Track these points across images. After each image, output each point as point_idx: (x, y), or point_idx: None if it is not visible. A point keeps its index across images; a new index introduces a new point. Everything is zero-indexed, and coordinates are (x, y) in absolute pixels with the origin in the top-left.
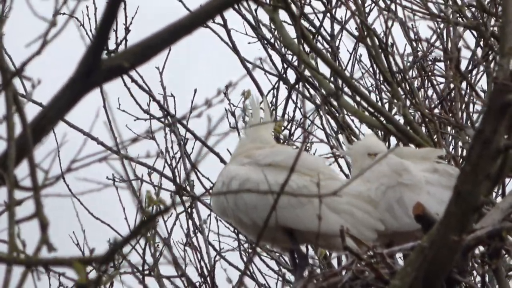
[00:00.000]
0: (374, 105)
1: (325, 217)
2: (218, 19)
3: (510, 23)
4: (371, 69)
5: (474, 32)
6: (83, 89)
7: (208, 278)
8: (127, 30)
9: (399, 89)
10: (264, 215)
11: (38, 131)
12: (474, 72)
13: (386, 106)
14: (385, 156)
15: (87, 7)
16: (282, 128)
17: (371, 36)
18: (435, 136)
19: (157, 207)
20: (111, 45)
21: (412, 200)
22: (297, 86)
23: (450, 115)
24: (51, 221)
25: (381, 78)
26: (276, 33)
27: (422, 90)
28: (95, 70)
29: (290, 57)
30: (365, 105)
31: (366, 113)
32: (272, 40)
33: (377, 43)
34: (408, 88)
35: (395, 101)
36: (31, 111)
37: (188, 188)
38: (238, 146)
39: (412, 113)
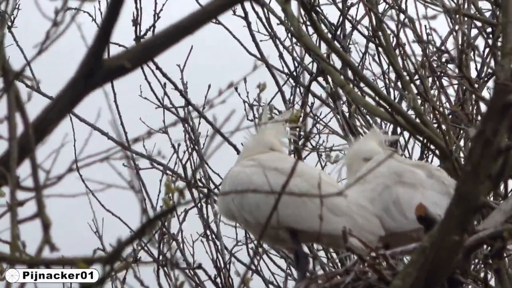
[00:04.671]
0: (384, 97)
1: (326, 218)
2: (240, 12)
3: (511, 23)
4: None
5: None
6: (85, 89)
7: (223, 271)
8: (157, 17)
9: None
10: (267, 214)
11: (40, 131)
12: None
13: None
14: (385, 160)
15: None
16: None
17: (383, 29)
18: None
19: (172, 200)
20: (141, 32)
21: (408, 201)
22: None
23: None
24: (55, 220)
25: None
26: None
27: (436, 90)
28: (96, 70)
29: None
30: (376, 97)
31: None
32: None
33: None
34: (419, 80)
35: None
36: (33, 111)
37: (201, 181)
38: (243, 149)
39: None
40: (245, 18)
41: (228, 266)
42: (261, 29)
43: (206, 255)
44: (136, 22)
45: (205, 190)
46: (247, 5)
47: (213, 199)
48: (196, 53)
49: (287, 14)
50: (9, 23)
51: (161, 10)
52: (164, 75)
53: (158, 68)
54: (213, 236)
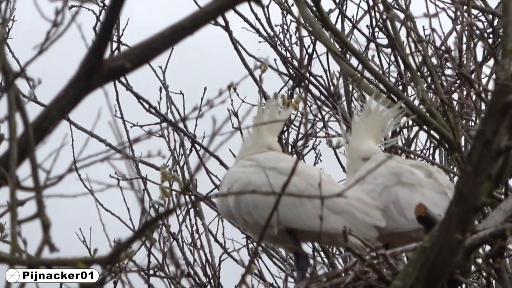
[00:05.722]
0: (391, 88)
1: (325, 216)
2: (220, 20)
3: (511, 23)
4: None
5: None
6: (85, 90)
7: (213, 278)
8: (120, 43)
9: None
10: (266, 215)
11: (40, 131)
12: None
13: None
14: (384, 162)
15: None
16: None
17: (391, 18)
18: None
19: (162, 206)
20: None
21: (407, 201)
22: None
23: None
24: (56, 220)
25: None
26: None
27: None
28: (97, 70)
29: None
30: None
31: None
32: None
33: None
34: (427, 73)
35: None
36: (33, 111)
37: (191, 188)
38: (241, 149)
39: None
40: (226, 28)
41: (218, 273)
42: (259, 30)
43: (198, 261)
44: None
45: (197, 197)
46: (240, 9)
47: (200, 207)
48: (195, 53)
49: (297, 1)
50: (5, 35)
51: (122, 35)
52: (136, 95)
53: (128, 89)
54: (207, 241)
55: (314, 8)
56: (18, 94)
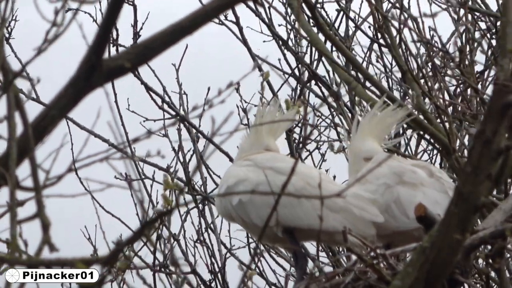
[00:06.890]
0: (387, 94)
1: (324, 216)
2: (231, 16)
3: (511, 23)
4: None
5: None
6: (85, 89)
7: (218, 275)
8: (137, 35)
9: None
10: (263, 214)
11: (40, 131)
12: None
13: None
14: (385, 161)
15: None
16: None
17: (388, 25)
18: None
19: (164, 206)
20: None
21: (409, 200)
22: (308, 85)
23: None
24: (55, 220)
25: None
26: (291, 24)
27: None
28: (96, 70)
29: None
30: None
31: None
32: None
33: (393, 33)
34: (423, 79)
35: (409, 91)
36: (33, 111)
37: (196, 186)
38: (239, 150)
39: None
40: (237, 23)
41: (223, 270)
42: (262, 29)
43: (202, 259)
44: (116, 42)
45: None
46: (241, 9)
47: (210, 204)
48: (196, 53)
49: (293, 9)
50: (7, 35)
51: (141, 28)
52: (149, 88)
53: (143, 83)
54: (209, 239)
55: (311, 15)
56: (17, 93)
